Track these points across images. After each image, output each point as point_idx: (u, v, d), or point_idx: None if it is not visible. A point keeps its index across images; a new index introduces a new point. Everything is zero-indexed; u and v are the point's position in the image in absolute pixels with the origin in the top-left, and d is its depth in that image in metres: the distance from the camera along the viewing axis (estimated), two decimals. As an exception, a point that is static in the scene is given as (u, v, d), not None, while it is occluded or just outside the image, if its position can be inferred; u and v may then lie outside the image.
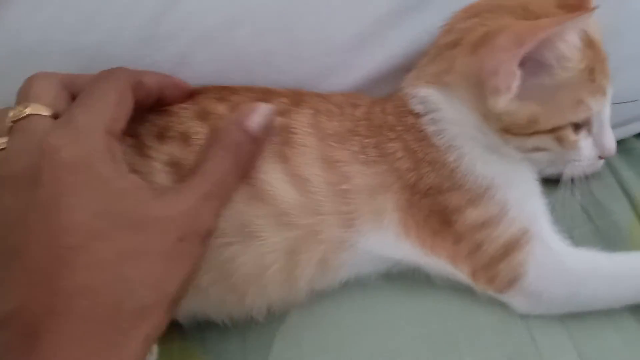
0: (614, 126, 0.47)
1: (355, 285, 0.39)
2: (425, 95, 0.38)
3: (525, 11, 0.37)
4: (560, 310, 0.37)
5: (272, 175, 0.36)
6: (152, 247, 0.27)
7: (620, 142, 0.49)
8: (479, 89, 0.35)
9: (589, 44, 0.36)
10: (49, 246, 0.26)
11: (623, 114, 0.47)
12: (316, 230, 0.36)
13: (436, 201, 0.37)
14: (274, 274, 0.36)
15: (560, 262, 0.37)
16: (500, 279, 0.37)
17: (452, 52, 0.38)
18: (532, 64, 0.34)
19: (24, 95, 0.31)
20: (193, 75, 0.39)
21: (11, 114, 0.30)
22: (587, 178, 0.46)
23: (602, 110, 0.38)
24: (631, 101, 0.45)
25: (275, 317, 0.38)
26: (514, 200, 0.37)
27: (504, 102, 0.34)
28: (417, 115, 0.38)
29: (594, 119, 0.38)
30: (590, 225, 0.43)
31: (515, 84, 0.34)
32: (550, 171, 0.43)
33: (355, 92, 0.43)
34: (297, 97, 0.40)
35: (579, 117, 0.36)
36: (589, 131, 0.39)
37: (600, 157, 0.40)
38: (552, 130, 0.37)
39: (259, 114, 0.33)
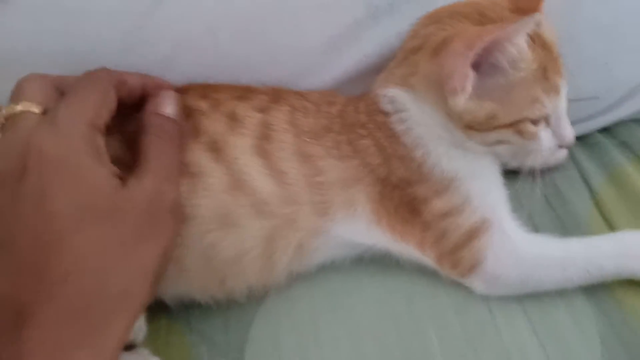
0: (578, 121, 0.50)
1: (329, 270, 0.42)
2: (393, 95, 0.41)
3: (481, 16, 0.39)
4: (517, 292, 0.40)
5: (252, 168, 0.39)
6: (128, 230, 0.30)
7: (583, 137, 0.52)
8: (441, 91, 0.38)
9: (543, 44, 0.39)
10: (37, 235, 0.28)
11: (585, 111, 0.49)
12: (293, 219, 0.39)
13: (405, 193, 0.40)
14: (253, 259, 0.39)
15: (515, 249, 0.39)
16: (463, 264, 0.40)
17: (416, 56, 0.40)
18: (487, 66, 0.37)
19: (16, 94, 0.33)
20: (178, 77, 0.42)
21: (4, 111, 0.32)
22: (551, 170, 0.49)
23: (558, 105, 0.40)
24: (592, 98, 0.47)
25: (255, 299, 0.41)
26: (476, 192, 0.40)
27: (461, 102, 0.37)
28: (387, 115, 0.41)
29: (552, 113, 0.40)
30: (551, 213, 0.46)
31: (470, 84, 0.36)
32: (515, 164, 0.45)
33: (331, 90, 0.46)
34: (276, 95, 0.43)
35: (534, 113, 0.39)
36: (548, 123, 0.41)
37: (561, 147, 0.42)
38: (511, 125, 0.39)
39: (169, 100, 0.37)
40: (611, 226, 0.44)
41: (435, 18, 0.41)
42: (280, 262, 0.40)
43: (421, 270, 0.41)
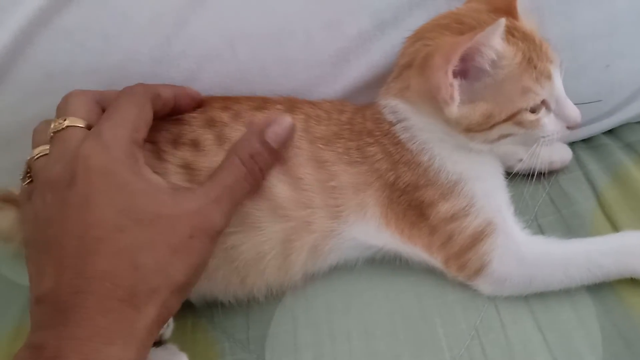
0: (582, 124, 0.51)
1: (343, 270, 0.44)
2: (394, 106, 0.43)
3: (460, 24, 0.41)
4: (522, 293, 0.41)
5: (270, 174, 0.41)
6: (163, 240, 0.32)
7: (588, 139, 0.53)
8: (434, 102, 0.39)
9: (523, 37, 0.39)
10: (79, 237, 0.31)
11: (590, 113, 0.51)
12: (308, 221, 0.41)
13: (413, 197, 0.42)
14: (271, 259, 0.41)
15: (518, 251, 0.41)
16: (469, 267, 0.41)
17: (408, 72, 0.42)
18: (473, 71, 0.38)
19: (62, 110, 0.36)
20: (201, 88, 0.45)
21: (52, 125, 0.35)
22: (557, 172, 0.50)
23: (553, 89, 0.40)
24: (596, 101, 0.49)
25: (273, 297, 0.44)
26: (480, 194, 0.42)
27: (455, 109, 0.39)
28: (391, 123, 0.43)
29: (549, 98, 0.40)
30: (556, 214, 0.47)
31: (457, 93, 0.38)
32: (521, 166, 0.47)
33: (341, 99, 0.48)
34: (291, 104, 0.45)
35: (528, 103, 0.39)
36: (548, 108, 0.41)
37: (569, 128, 0.41)
38: (509, 119, 0.40)
39: (279, 126, 0.37)
40: (615, 226, 0.45)
41: (419, 35, 0.43)
42: (296, 263, 0.42)
43: (430, 270, 0.43)
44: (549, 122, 0.41)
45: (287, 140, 0.39)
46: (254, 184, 0.37)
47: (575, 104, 0.42)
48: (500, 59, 0.38)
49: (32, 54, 0.44)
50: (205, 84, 0.46)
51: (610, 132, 0.53)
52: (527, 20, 0.41)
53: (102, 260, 0.30)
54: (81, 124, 0.35)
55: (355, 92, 0.48)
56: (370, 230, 0.43)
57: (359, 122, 0.44)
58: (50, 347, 0.29)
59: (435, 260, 0.42)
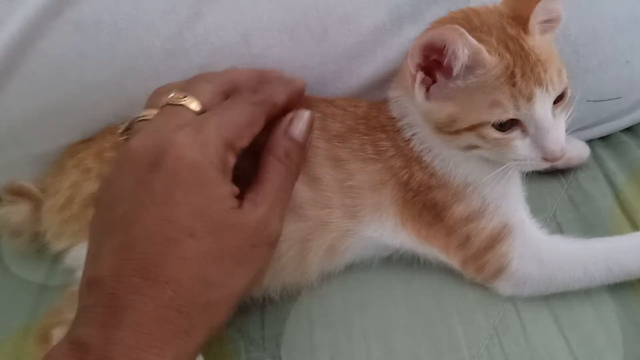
0: (601, 122, 0.51)
1: (359, 269, 0.44)
2: (397, 98, 0.42)
3: (467, 22, 0.38)
4: (542, 293, 0.41)
5: None
6: (230, 251, 0.30)
7: (607, 137, 0.53)
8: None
9: (517, 50, 0.36)
10: (149, 231, 0.28)
11: (608, 111, 0.50)
12: (326, 221, 0.41)
13: (427, 198, 0.41)
14: (288, 259, 0.41)
15: (538, 251, 0.40)
16: (488, 269, 0.40)
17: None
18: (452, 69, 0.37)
19: (189, 85, 0.34)
20: (215, 82, 0.44)
21: (169, 96, 0.33)
22: (575, 169, 0.50)
23: (533, 113, 0.36)
24: (615, 98, 0.48)
25: (289, 297, 0.43)
26: (493, 195, 0.41)
27: (420, 101, 0.38)
28: (397, 119, 0.42)
29: (526, 121, 0.37)
30: (575, 212, 0.47)
31: (417, 85, 0.37)
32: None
33: (357, 96, 0.47)
34: (306, 103, 0.44)
35: (494, 117, 0.36)
36: (525, 132, 0.38)
37: (545, 160, 0.38)
38: (472, 128, 0.37)
39: (300, 121, 0.35)
40: (635, 224, 0.44)
41: (431, 27, 0.41)
42: (313, 262, 0.42)
43: (448, 269, 0.43)
44: (521, 146, 0.38)
45: (310, 132, 0.37)
46: (293, 181, 0.35)
47: (594, 101, 0.42)
48: (476, 65, 0.36)
49: (41, 46, 0.43)
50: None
51: (628, 130, 0.53)
52: (539, 35, 0.38)
53: (169, 264, 0.28)
54: (196, 108, 0.33)
55: (371, 88, 0.48)
56: (386, 230, 0.42)
57: (374, 116, 0.44)
58: (96, 349, 0.26)
59: (452, 261, 0.42)
